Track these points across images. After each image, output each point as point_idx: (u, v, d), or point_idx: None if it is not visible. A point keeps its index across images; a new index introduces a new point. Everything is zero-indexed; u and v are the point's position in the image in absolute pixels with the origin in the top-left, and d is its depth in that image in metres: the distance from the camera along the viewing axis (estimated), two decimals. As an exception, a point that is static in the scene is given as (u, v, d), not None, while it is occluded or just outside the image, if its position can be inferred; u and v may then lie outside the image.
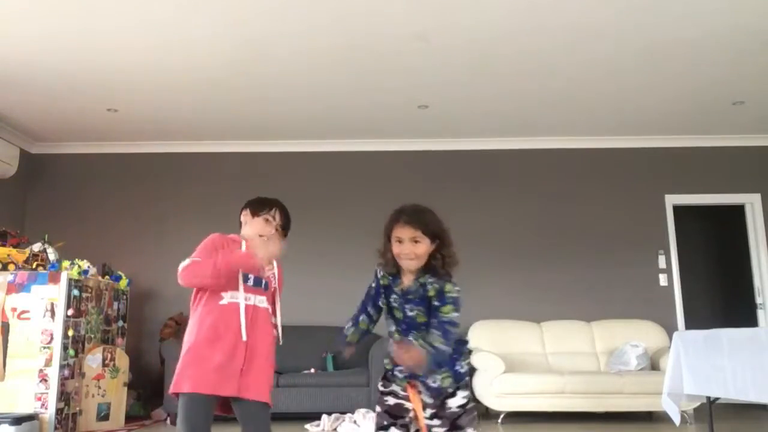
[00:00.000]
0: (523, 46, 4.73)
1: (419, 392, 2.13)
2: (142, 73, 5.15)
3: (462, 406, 2.14)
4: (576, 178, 6.83)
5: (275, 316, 2.53)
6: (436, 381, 2.11)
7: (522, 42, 4.67)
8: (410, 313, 2.15)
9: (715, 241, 8.34)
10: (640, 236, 6.65)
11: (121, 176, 6.91)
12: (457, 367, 2.16)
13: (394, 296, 2.20)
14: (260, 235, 2.47)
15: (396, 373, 2.19)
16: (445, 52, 4.83)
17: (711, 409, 4.06)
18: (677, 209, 6.78)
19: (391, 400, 2.20)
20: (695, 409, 5.41)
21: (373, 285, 2.30)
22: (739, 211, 6.90)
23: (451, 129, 6.58)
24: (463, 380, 2.18)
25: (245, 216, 2.58)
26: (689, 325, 6.41)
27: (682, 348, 4.01)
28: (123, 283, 5.79)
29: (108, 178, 6.92)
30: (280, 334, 2.52)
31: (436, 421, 2.12)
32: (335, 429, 5.05)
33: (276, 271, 2.55)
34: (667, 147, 6.83)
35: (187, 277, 2.35)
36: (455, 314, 2.12)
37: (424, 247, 2.16)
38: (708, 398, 3.97)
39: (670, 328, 5.99)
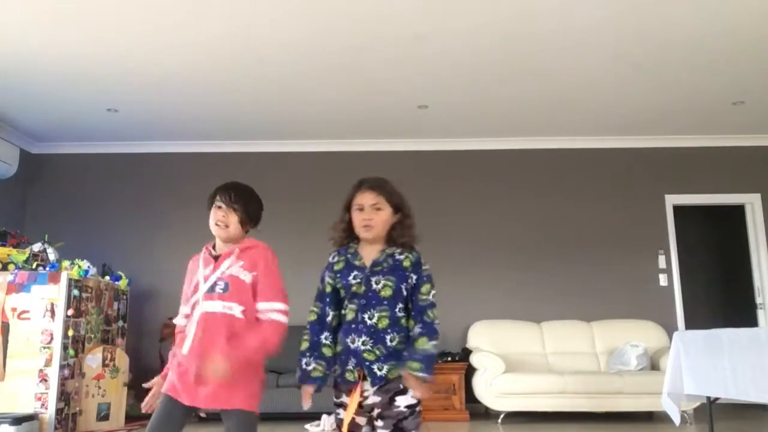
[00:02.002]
0: (522, 46, 4.73)
1: (363, 379, 2.01)
2: (142, 73, 5.15)
3: (410, 407, 2.00)
4: (576, 178, 6.83)
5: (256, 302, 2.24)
6: (383, 370, 1.99)
7: (522, 43, 4.67)
8: (376, 286, 2.05)
9: (715, 241, 8.34)
10: (640, 236, 6.65)
11: (121, 176, 6.91)
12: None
13: (354, 273, 2.09)
14: (215, 225, 2.27)
15: (348, 366, 2.03)
16: (445, 52, 4.83)
17: (711, 409, 4.06)
18: (677, 209, 6.78)
19: (342, 413, 2.06)
20: (695, 409, 5.41)
21: (321, 287, 2.18)
22: (739, 211, 6.91)
23: (451, 129, 6.57)
24: None
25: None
26: (689, 325, 6.41)
27: (682, 348, 4.01)
28: (123, 283, 5.79)
29: (108, 178, 6.92)
30: (275, 316, 2.23)
31: (379, 422, 2.00)
32: (335, 429, 5.04)
33: (243, 260, 2.24)
34: (667, 147, 6.83)
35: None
36: (434, 292, 2.08)
37: (385, 215, 2.12)
38: (708, 398, 3.97)
39: (670, 328, 5.99)
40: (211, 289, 2.22)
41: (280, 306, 2.23)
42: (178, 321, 2.37)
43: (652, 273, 6.60)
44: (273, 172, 6.76)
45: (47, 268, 5.05)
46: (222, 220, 2.26)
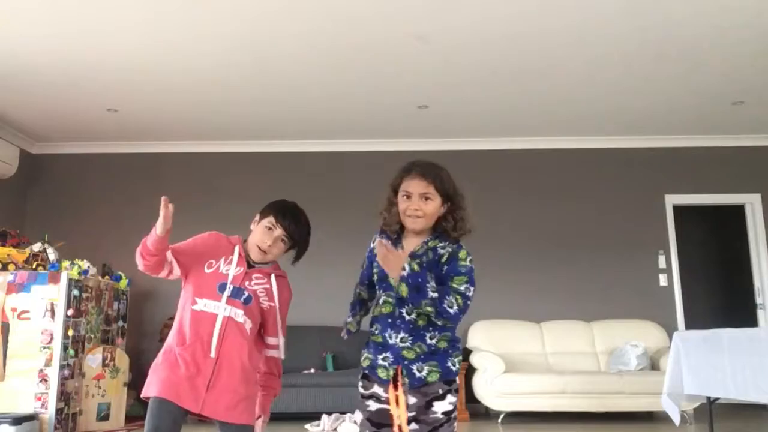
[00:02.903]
0: (522, 46, 4.73)
1: (403, 384, 1.87)
2: (142, 73, 5.15)
3: (447, 413, 1.87)
4: (576, 178, 6.83)
5: (268, 335, 2.25)
6: (423, 371, 1.87)
7: (522, 42, 4.67)
8: None
9: (715, 241, 8.34)
10: (640, 236, 6.65)
11: (121, 176, 6.91)
12: (449, 364, 1.90)
13: None
14: (257, 246, 2.18)
15: (380, 361, 1.90)
16: (445, 52, 4.83)
17: (711, 409, 4.06)
18: (677, 209, 6.78)
19: (373, 405, 1.92)
20: (695, 409, 5.41)
21: (366, 257, 2.06)
22: (739, 211, 6.90)
23: (451, 129, 6.57)
24: (454, 382, 1.91)
25: (254, 222, 2.28)
26: (689, 325, 6.41)
27: (682, 348, 4.01)
28: (123, 283, 5.79)
29: (108, 178, 6.92)
30: (282, 353, 2.27)
31: (413, 426, 1.86)
32: (335, 429, 5.05)
33: (272, 286, 2.22)
34: (667, 147, 6.83)
35: (139, 261, 2.19)
36: (468, 287, 1.92)
37: (435, 205, 1.94)
38: (708, 398, 3.97)
39: (670, 328, 6.00)
40: (237, 294, 2.14)
41: (283, 342, 2.26)
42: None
43: (652, 273, 6.60)
44: (273, 172, 6.76)
45: (47, 268, 5.05)
46: (270, 246, 2.17)
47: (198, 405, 2.03)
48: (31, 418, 4.58)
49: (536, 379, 5.53)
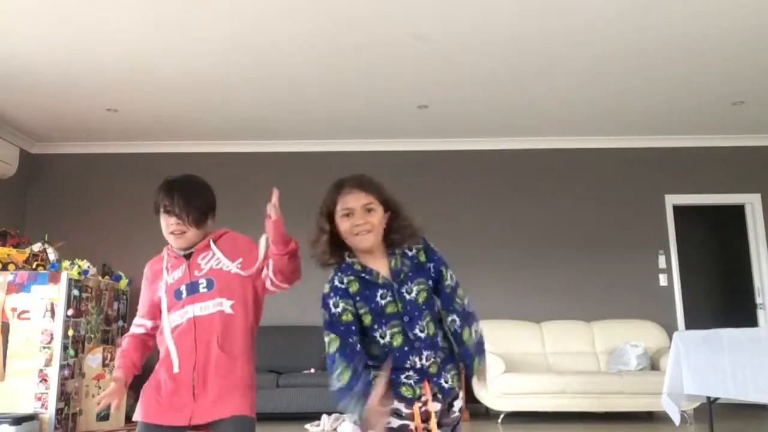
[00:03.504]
0: (522, 46, 4.73)
1: (433, 396, 1.77)
2: (142, 73, 5.15)
3: (459, 409, 1.85)
4: (576, 178, 6.83)
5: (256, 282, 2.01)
6: (449, 381, 1.79)
7: (522, 43, 4.67)
8: (411, 296, 1.78)
9: (715, 241, 8.34)
10: (640, 236, 6.65)
11: (121, 176, 6.91)
12: (456, 361, 1.86)
13: (381, 292, 1.77)
14: (171, 233, 2.00)
15: (403, 380, 1.76)
16: (445, 52, 4.83)
17: (711, 409, 4.06)
18: (677, 209, 6.78)
19: (394, 422, 1.74)
20: (695, 409, 5.41)
21: (334, 316, 1.76)
22: (739, 211, 6.90)
23: (451, 129, 6.57)
24: (458, 378, 1.87)
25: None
26: (689, 325, 6.41)
27: (682, 348, 4.01)
28: (123, 283, 5.79)
29: (108, 178, 6.92)
30: (219, 334, 2.00)
31: (437, 430, 1.77)
32: (335, 429, 5.05)
33: (218, 253, 2.02)
34: (667, 147, 6.83)
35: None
36: (451, 272, 1.88)
37: (379, 216, 1.78)
38: (708, 398, 3.97)
39: (670, 328, 5.99)
40: (193, 290, 2.00)
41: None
42: (135, 330, 2.13)
43: (652, 273, 6.60)
44: (272, 172, 6.76)
45: (47, 268, 5.05)
46: (177, 228, 1.99)
47: (186, 417, 1.91)
48: (31, 418, 4.58)
49: (536, 379, 5.53)
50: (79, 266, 5.18)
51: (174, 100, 5.76)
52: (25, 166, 6.66)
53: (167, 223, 2.00)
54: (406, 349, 1.75)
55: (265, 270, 1.99)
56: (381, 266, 1.80)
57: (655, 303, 6.49)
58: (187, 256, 2.05)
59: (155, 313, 2.08)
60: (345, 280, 1.79)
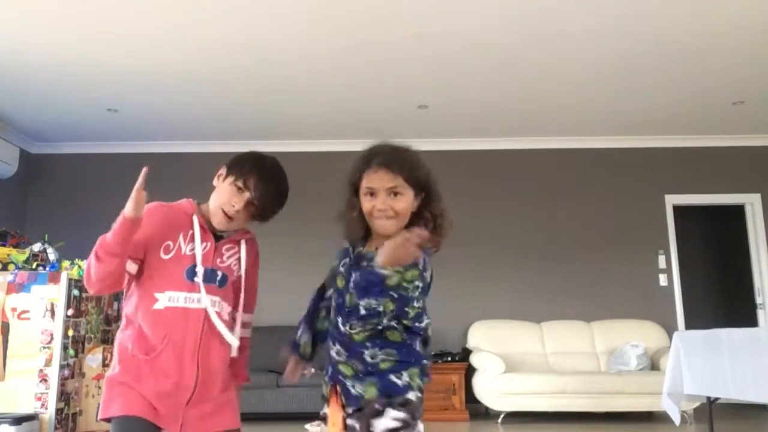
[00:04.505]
0: (522, 47, 4.73)
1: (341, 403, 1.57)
2: (142, 73, 5.15)
3: (393, 431, 1.51)
4: (576, 178, 6.83)
5: (235, 318, 1.80)
6: (355, 387, 1.54)
7: (522, 43, 4.67)
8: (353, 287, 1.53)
9: (715, 241, 8.33)
10: (640, 236, 6.65)
11: (122, 176, 6.87)
12: (391, 376, 1.53)
13: (344, 261, 1.63)
14: (222, 211, 1.73)
15: (325, 379, 1.62)
16: (446, 53, 4.83)
17: (711, 409, 4.06)
18: (677, 209, 6.78)
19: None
20: (695, 409, 5.41)
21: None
22: (739, 211, 6.90)
23: (451, 129, 6.57)
24: (400, 396, 1.52)
25: (218, 176, 1.83)
26: (689, 325, 6.41)
27: (682, 348, 4.01)
28: (123, 283, 5.78)
29: (108, 178, 6.91)
30: (235, 345, 1.77)
31: None
32: (335, 429, 5.04)
33: (242, 254, 1.81)
34: (667, 147, 6.83)
35: (88, 281, 1.73)
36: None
37: (407, 200, 1.56)
38: (708, 398, 3.97)
39: (670, 328, 5.99)
40: (210, 277, 1.73)
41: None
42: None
43: (652, 273, 6.59)
44: (273, 172, 6.76)
45: (47, 268, 5.05)
46: (243, 211, 1.73)
47: (177, 424, 1.64)
48: (31, 418, 4.58)
49: (536, 379, 5.53)
50: (79, 266, 5.18)
51: (174, 100, 5.76)
52: (25, 166, 6.66)
53: (232, 198, 1.72)
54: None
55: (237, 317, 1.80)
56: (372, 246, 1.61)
57: (655, 303, 6.48)
58: (216, 237, 1.78)
59: (138, 247, 1.74)
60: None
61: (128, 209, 1.65)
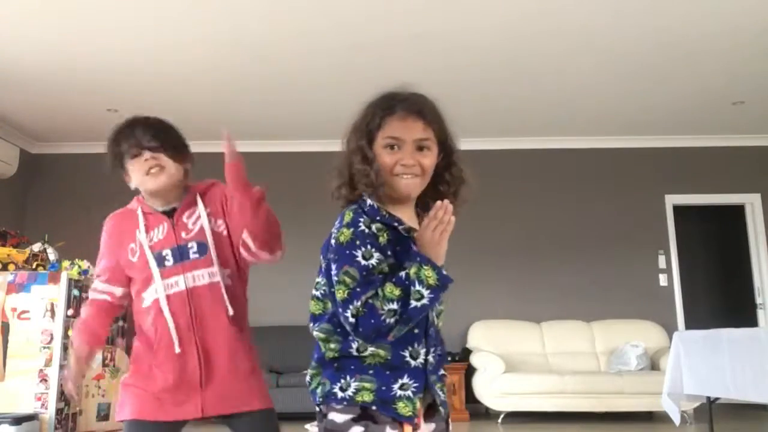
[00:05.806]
0: (523, 48, 4.73)
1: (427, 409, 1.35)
2: (142, 73, 5.15)
3: None
4: (576, 178, 6.83)
5: (232, 268, 1.71)
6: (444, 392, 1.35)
7: (522, 43, 4.67)
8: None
9: (715, 241, 8.34)
10: (640, 236, 6.65)
11: (122, 176, 6.90)
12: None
13: (414, 248, 1.28)
14: (144, 189, 1.74)
15: (397, 391, 1.25)
16: (446, 53, 4.83)
17: (711, 409, 4.06)
18: (677, 209, 6.78)
19: None
20: (695, 409, 5.41)
21: (373, 264, 1.23)
22: (739, 211, 6.90)
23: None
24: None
25: (126, 177, 1.80)
26: (689, 325, 6.41)
27: (682, 348, 4.01)
28: (123, 283, 5.79)
29: (108, 178, 6.89)
30: (228, 305, 1.67)
31: None
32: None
33: (200, 209, 1.73)
34: (667, 147, 6.83)
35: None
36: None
37: (433, 157, 1.32)
38: (708, 398, 3.97)
39: (670, 328, 5.99)
40: (181, 256, 1.68)
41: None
42: (97, 296, 1.79)
43: (652, 273, 6.59)
44: (273, 172, 6.75)
45: (47, 268, 5.05)
46: (153, 162, 1.66)
47: (197, 408, 1.62)
48: (31, 418, 4.58)
49: (536, 379, 5.53)
50: (79, 266, 5.18)
51: (174, 100, 5.75)
52: (25, 166, 6.66)
53: (138, 165, 1.68)
54: (415, 331, 1.28)
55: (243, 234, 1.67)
56: (408, 219, 1.34)
57: (655, 303, 6.48)
58: (169, 214, 1.73)
59: (124, 279, 1.76)
60: (374, 227, 1.28)
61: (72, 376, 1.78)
